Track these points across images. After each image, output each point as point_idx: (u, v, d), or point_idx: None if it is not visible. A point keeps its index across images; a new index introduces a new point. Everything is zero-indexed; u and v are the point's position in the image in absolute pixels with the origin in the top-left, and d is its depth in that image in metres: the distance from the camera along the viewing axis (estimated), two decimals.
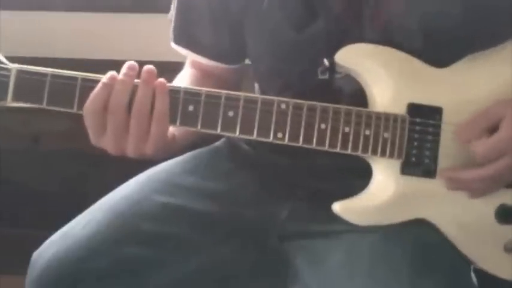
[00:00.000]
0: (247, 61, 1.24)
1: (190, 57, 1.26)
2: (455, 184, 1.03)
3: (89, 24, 1.94)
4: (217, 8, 1.16)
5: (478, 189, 1.04)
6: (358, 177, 1.06)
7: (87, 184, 1.89)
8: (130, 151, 1.00)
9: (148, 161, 1.11)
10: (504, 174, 1.01)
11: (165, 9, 1.26)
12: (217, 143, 1.29)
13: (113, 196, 1.20)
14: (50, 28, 1.95)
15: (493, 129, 1.00)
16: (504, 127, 0.99)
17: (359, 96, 1.05)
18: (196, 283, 1.15)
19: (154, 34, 1.52)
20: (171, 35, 1.24)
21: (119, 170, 1.21)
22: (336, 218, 1.04)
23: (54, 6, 1.95)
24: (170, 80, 1.05)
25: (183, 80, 1.20)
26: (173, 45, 1.24)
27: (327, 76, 1.07)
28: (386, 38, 1.04)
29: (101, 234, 1.13)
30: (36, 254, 1.16)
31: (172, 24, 1.23)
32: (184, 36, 1.22)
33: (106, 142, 1.00)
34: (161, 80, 1.00)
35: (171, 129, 1.03)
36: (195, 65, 1.25)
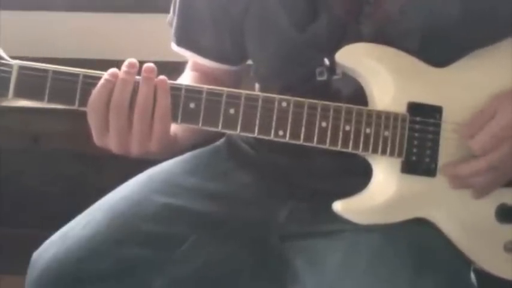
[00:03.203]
0: (249, 61, 1.24)
1: (191, 60, 1.26)
2: (456, 181, 1.03)
3: (89, 24, 1.94)
4: (217, 9, 1.16)
5: (479, 185, 1.03)
6: (357, 178, 1.06)
7: (87, 184, 1.89)
8: (135, 149, 1.00)
9: (148, 161, 1.11)
10: (503, 166, 1.01)
11: (166, 9, 1.25)
12: (217, 143, 1.29)
13: (113, 196, 1.20)
14: (50, 28, 1.95)
15: None
16: (497, 117, 1.00)
17: (357, 99, 1.05)
18: (196, 283, 1.15)
19: (154, 34, 1.52)
20: (172, 37, 1.23)
21: (119, 170, 1.21)
22: (336, 218, 1.04)
23: (54, 6, 1.95)
24: (171, 80, 1.05)
25: (184, 82, 1.20)
26: (175, 47, 1.23)
27: (325, 77, 1.07)
28: (384, 36, 1.04)
29: (101, 234, 1.13)
30: (36, 254, 1.16)
31: (174, 27, 1.23)
32: (186, 38, 1.22)
33: (110, 141, 1.00)
34: (162, 77, 1.00)
35: (173, 129, 1.03)
36: (196, 67, 1.25)
